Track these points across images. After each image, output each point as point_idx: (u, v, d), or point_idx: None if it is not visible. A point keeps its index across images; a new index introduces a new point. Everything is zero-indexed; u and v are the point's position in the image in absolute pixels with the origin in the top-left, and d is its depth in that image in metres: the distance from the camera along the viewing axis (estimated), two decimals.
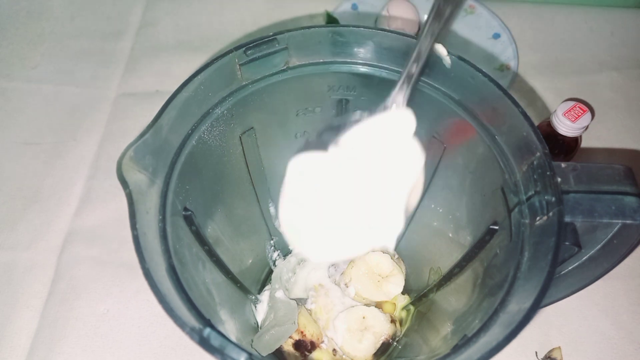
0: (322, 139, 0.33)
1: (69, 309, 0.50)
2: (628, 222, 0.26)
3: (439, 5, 0.30)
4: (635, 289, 0.51)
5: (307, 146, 0.33)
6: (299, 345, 0.45)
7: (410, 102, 0.32)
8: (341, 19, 0.68)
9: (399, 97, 0.32)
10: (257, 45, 0.33)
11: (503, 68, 0.64)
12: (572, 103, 0.48)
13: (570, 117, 0.47)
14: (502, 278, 0.29)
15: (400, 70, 0.35)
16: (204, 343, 0.24)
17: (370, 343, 0.44)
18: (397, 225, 0.32)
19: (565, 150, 0.51)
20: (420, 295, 0.46)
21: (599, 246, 0.29)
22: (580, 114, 0.47)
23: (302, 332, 0.45)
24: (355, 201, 0.31)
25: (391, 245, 0.32)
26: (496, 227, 0.33)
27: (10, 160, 0.61)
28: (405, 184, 0.32)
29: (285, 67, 0.35)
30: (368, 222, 0.32)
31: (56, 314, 0.50)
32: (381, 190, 0.31)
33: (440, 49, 0.33)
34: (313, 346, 0.45)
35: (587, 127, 0.48)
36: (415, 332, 0.45)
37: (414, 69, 0.32)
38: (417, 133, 0.33)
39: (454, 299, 0.39)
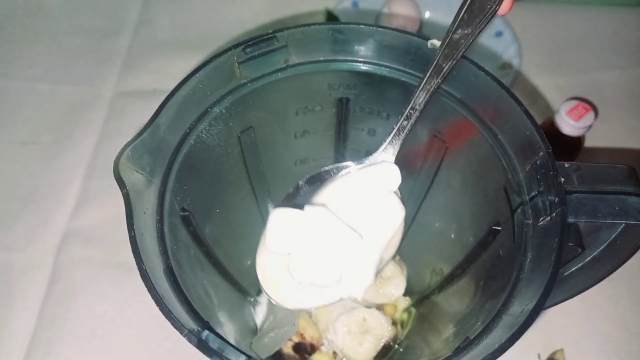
0: (308, 187, 0.33)
1: (66, 310, 0.50)
2: (631, 222, 0.26)
3: (437, 62, 0.29)
4: (639, 290, 0.50)
5: (295, 191, 0.33)
6: (299, 347, 0.45)
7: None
8: (341, 16, 0.67)
9: (388, 151, 0.32)
10: (256, 43, 0.33)
11: (506, 66, 0.63)
12: (575, 102, 0.47)
13: (573, 116, 0.46)
14: (505, 279, 0.29)
15: (400, 68, 0.35)
16: (202, 345, 0.24)
17: (371, 346, 0.44)
18: (368, 278, 0.32)
19: (568, 149, 0.50)
20: (421, 297, 0.46)
21: (603, 247, 0.29)
22: (583, 113, 0.47)
23: (301, 335, 0.45)
24: (332, 253, 0.31)
25: (359, 296, 0.32)
26: (499, 228, 0.33)
27: (7, 160, 0.60)
28: (383, 238, 0.32)
29: (284, 66, 0.35)
30: (341, 273, 0.32)
31: (53, 316, 0.49)
32: (358, 243, 0.31)
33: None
34: (313, 349, 0.45)
35: (590, 127, 0.47)
36: (416, 334, 0.44)
37: (406, 124, 0.31)
38: (419, 132, 0.32)
39: (456, 300, 0.39)
